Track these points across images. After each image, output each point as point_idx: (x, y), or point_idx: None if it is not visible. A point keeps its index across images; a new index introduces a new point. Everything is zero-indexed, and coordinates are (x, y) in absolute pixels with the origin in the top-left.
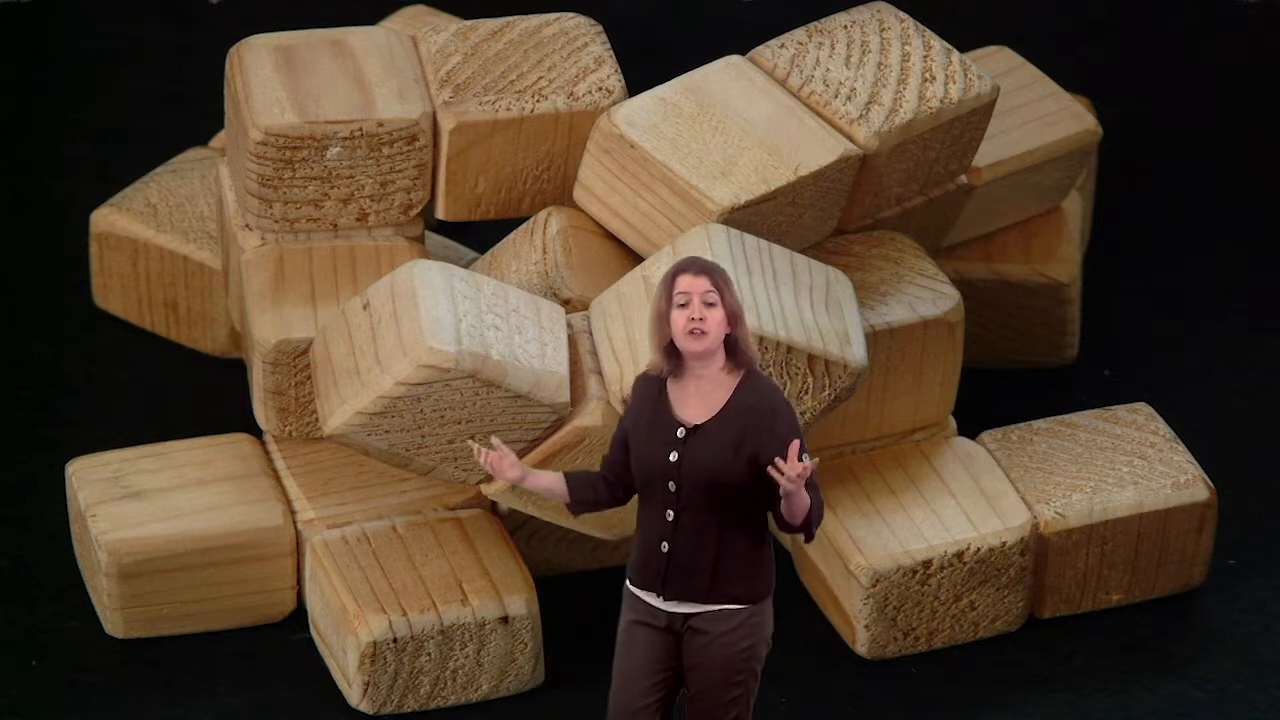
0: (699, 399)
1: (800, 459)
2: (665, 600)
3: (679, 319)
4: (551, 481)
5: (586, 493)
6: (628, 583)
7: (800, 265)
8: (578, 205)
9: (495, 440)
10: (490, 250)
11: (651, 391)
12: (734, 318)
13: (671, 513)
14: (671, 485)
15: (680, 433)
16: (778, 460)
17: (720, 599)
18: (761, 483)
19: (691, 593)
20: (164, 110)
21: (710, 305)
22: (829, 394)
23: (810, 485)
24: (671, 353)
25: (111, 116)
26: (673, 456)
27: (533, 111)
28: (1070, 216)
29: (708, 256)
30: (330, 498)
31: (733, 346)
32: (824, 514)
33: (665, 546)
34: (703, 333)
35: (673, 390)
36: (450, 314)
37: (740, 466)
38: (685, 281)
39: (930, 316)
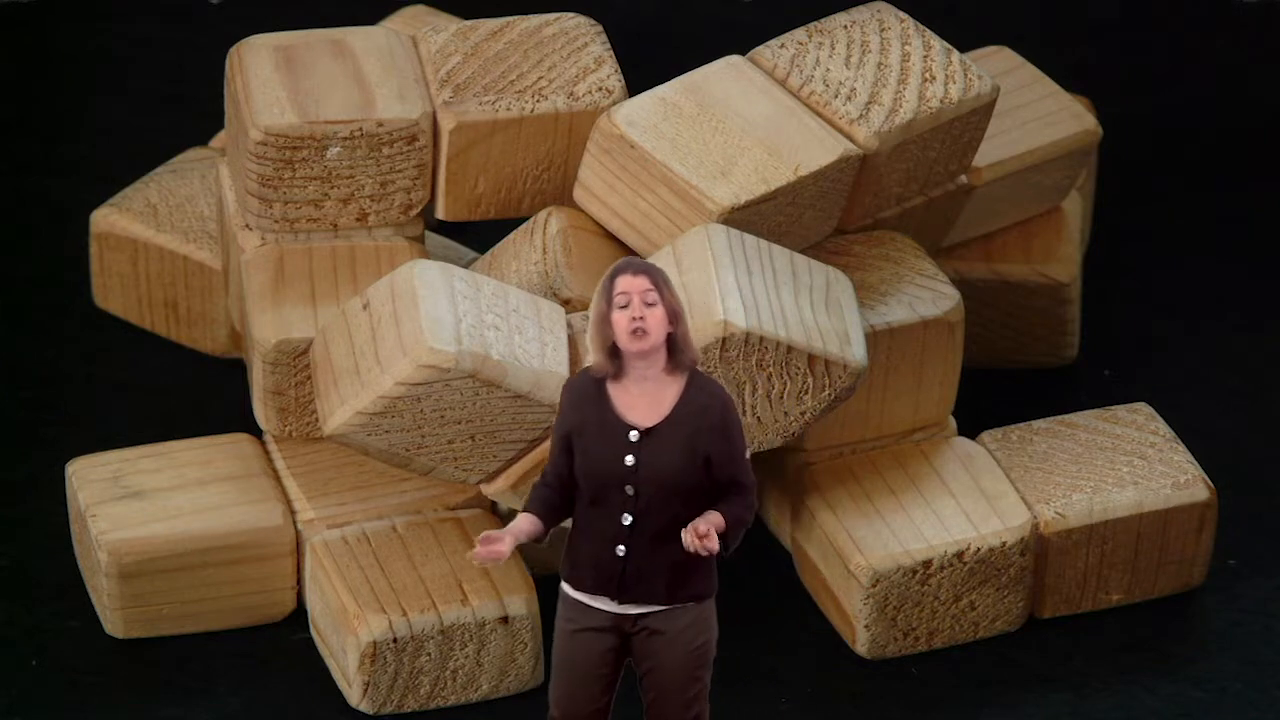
0: (645, 401)
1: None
2: (621, 604)
3: (620, 320)
4: (530, 526)
5: (555, 517)
6: (567, 588)
7: (800, 265)
8: (578, 205)
9: (480, 540)
10: (490, 250)
11: (590, 394)
12: (674, 316)
13: (629, 517)
14: (629, 489)
15: (634, 436)
16: (685, 533)
17: (676, 599)
18: (714, 482)
19: (648, 595)
20: (164, 110)
21: (650, 305)
22: (829, 394)
23: (739, 495)
24: (613, 354)
25: (111, 116)
26: (629, 460)
27: (533, 111)
28: (1070, 216)
29: (708, 256)
30: (330, 498)
31: (674, 345)
32: (746, 521)
33: (622, 550)
34: (645, 332)
35: (615, 393)
36: (450, 314)
37: (697, 468)
38: (624, 282)
39: (930, 316)
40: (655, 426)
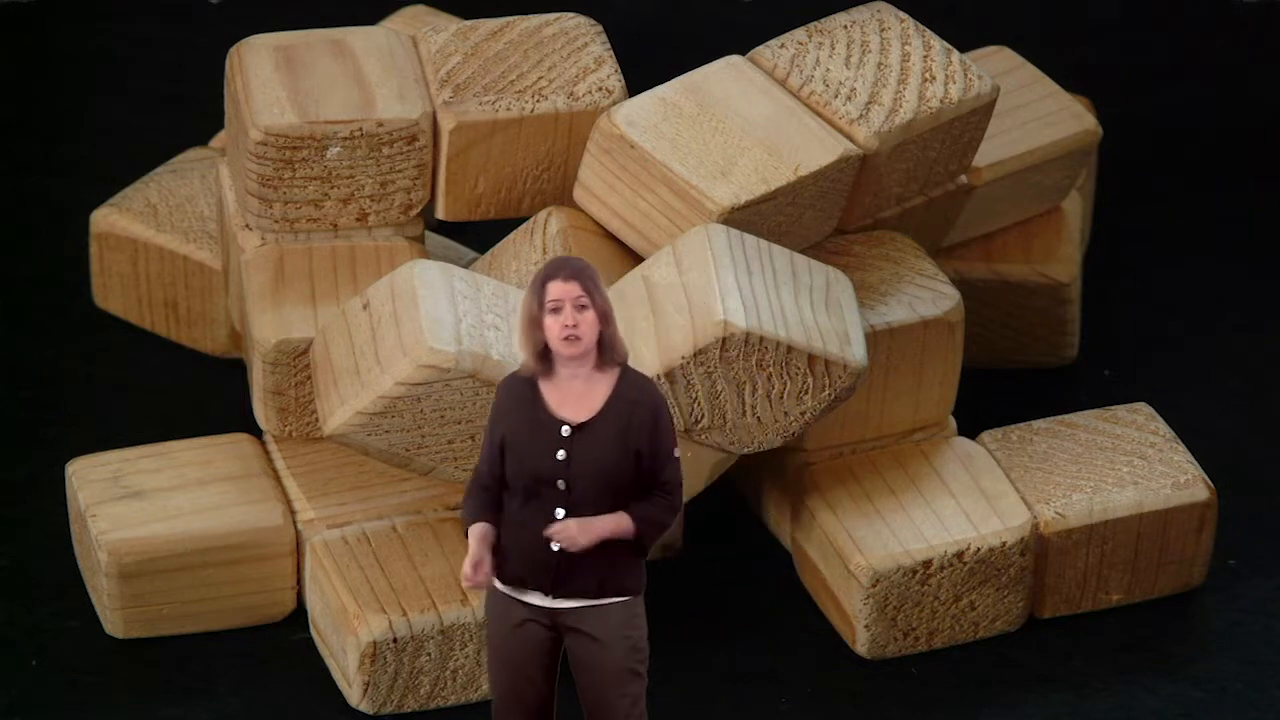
0: (576, 397)
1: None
2: (554, 598)
3: (553, 325)
4: (486, 534)
5: (499, 517)
6: (498, 585)
7: (800, 265)
8: (578, 205)
9: (470, 567)
10: (490, 250)
11: (523, 394)
12: (605, 318)
13: (562, 511)
14: (561, 484)
15: (565, 431)
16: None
17: (608, 593)
18: (644, 478)
19: (582, 589)
20: (164, 110)
21: (582, 309)
22: (829, 394)
23: (662, 494)
24: (544, 355)
25: (111, 116)
26: (560, 455)
27: (533, 111)
28: (1070, 216)
29: (708, 256)
30: (330, 498)
31: (604, 344)
32: (663, 523)
33: (556, 545)
34: (577, 338)
35: (547, 391)
36: (450, 314)
37: (628, 461)
38: (556, 288)
39: (930, 316)
40: (587, 422)
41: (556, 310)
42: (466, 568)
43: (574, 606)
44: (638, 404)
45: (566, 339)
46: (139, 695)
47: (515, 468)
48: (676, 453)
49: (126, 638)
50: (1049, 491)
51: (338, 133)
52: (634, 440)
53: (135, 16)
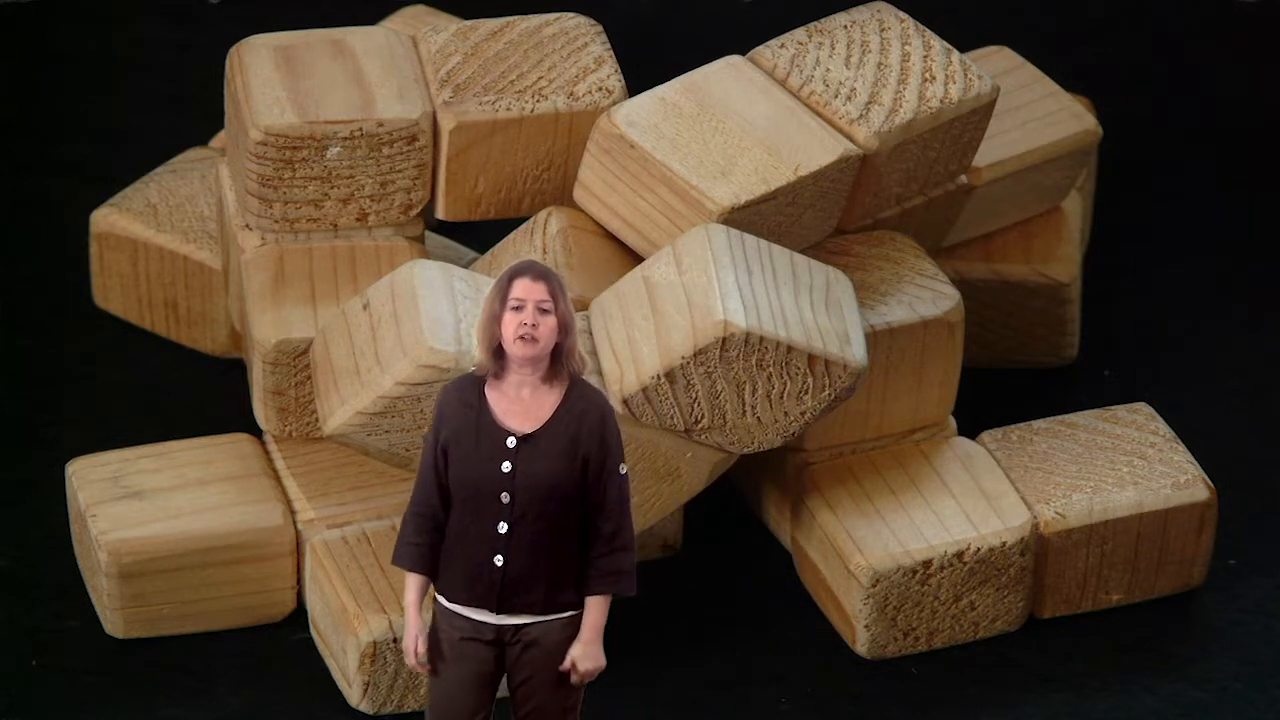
0: (523, 407)
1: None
2: (499, 614)
3: (510, 322)
4: (425, 589)
5: (435, 554)
6: (442, 600)
7: (800, 265)
8: (578, 205)
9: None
10: (490, 250)
11: (469, 399)
12: (565, 327)
13: (505, 525)
14: (505, 497)
15: (511, 442)
16: (574, 677)
17: (555, 608)
18: (590, 492)
19: (528, 604)
20: (164, 110)
21: (544, 312)
22: (829, 394)
23: (613, 536)
24: (497, 355)
25: (111, 116)
26: (505, 467)
27: (533, 111)
28: (1070, 216)
29: (708, 256)
30: (330, 498)
31: (559, 355)
32: (628, 565)
33: (500, 560)
34: (534, 339)
35: (494, 398)
36: (450, 314)
37: (575, 474)
38: (522, 286)
39: (930, 316)
40: (534, 432)
41: (518, 308)
42: (409, 646)
43: (520, 623)
44: (586, 412)
45: (522, 338)
46: (139, 695)
47: (457, 476)
48: (623, 468)
49: (126, 638)
50: (1049, 491)
51: (338, 133)
52: (583, 448)
53: (135, 16)
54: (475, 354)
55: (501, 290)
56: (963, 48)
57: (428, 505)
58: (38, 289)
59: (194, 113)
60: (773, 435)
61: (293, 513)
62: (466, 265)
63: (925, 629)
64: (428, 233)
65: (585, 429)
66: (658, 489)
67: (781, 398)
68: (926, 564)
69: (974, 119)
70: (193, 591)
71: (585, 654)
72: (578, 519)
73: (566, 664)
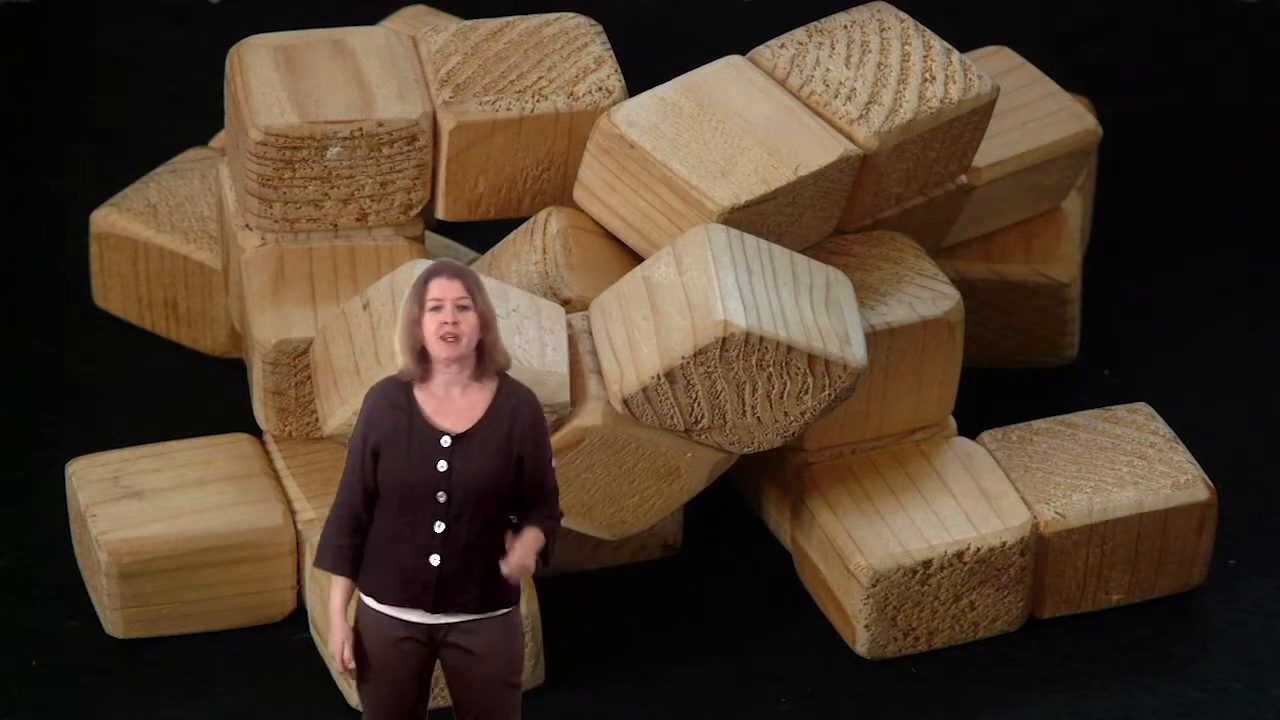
0: (454, 407)
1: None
2: (436, 614)
3: (431, 323)
4: (349, 592)
5: (359, 555)
6: (371, 603)
7: (800, 265)
8: (578, 205)
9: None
10: (490, 250)
11: (398, 400)
12: (486, 323)
13: (442, 524)
14: (441, 496)
15: (445, 441)
16: (503, 564)
17: (489, 606)
18: (524, 487)
19: (463, 603)
20: (164, 110)
21: (463, 309)
22: (829, 394)
23: (544, 504)
24: (421, 358)
25: (111, 116)
26: (441, 466)
27: (533, 111)
28: (1070, 216)
29: (708, 256)
30: (330, 498)
31: (483, 351)
32: (555, 532)
33: (436, 559)
34: (456, 338)
35: (423, 400)
36: None
37: (510, 471)
38: (438, 286)
39: (930, 316)
40: (468, 431)
41: (437, 309)
42: (336, 651)
43: (455, 622)
44: (517, 410)
45: (444, 337)
46: (139, 695)
47: (390, 479)
48: (554, 463)
49: (126, 638)
50: (1049, 491)
51: (338, 133)
52: (518, 445)
53: (135, 16)
54: (399, 360)
55: (418, 293)
56: (963, 48)
57: (351, 508)
58: (38, 289)
59: (194, 113)
60: (773, 435)
61: (293, 513)
62: (466, 265)
63: (925, 629)
64: (428, 233)
65: (519, 427)
66: (658, 489)
67: (781, 398)
68: (926, 564)
69: (974, 119)
70: (193, 591)
71: (518, 556)
72: (507, 517)
73: (512, 558)
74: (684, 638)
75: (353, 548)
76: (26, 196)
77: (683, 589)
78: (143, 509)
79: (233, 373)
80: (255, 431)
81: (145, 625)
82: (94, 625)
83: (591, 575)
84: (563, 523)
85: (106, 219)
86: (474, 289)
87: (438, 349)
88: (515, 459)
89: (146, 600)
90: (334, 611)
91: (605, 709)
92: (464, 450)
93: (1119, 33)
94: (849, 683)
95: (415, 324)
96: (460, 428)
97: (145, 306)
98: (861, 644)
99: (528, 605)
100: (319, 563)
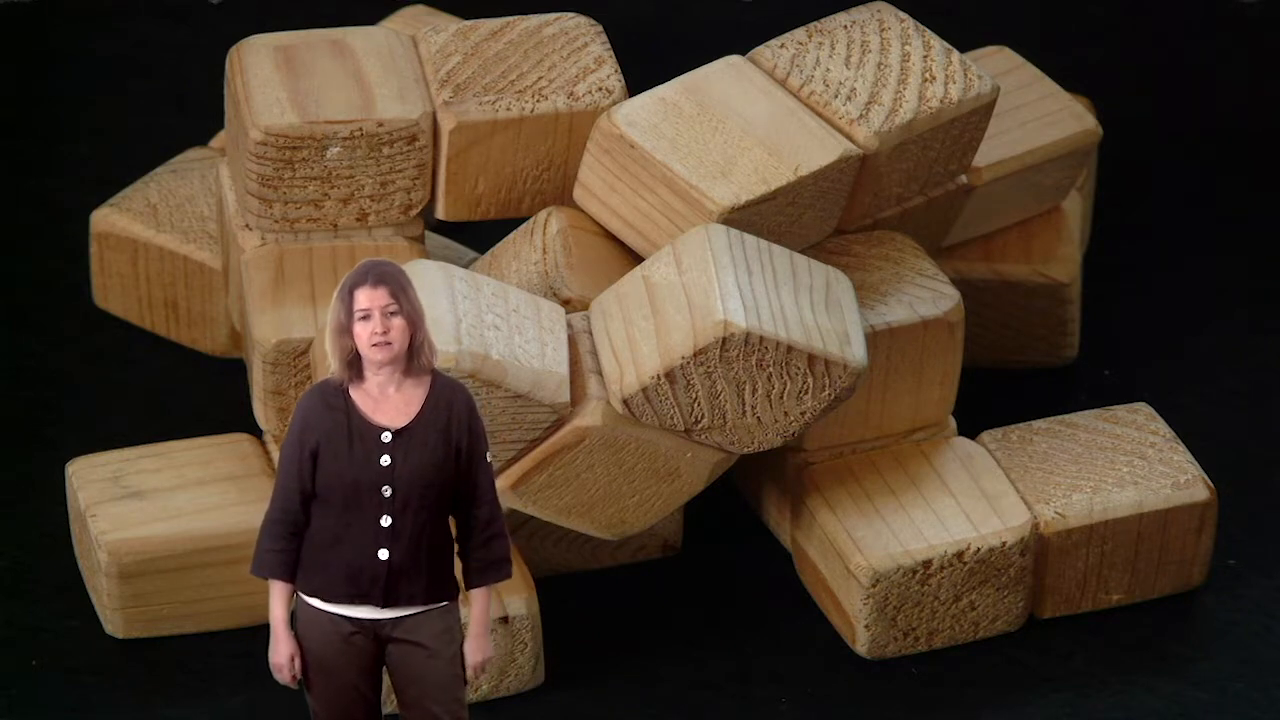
0: (391, 404)
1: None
2: (385, 609)
3: (362, 332)
4: (289, 596)
5: (295, 559)
6: (316, 603)
7: (800, 265)
8: (578, 205)
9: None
10: (490, 250)
11: (334, 402)
12: (413, 323)
13: (388, 519)
14: (386, 490)
15: (386, 437)
16: (469, 671)
17: (436, 597)
18: (463, 478)
19: (410, 596)
20: (164, 110)
21: (392, 315)
22: (829, 394)
23: (488, 524)
24: (352, 363)
25: (111, 116)
26: (385, 461)
27: (533, 111)
28: (1070, 216)
29: (708, 256)
30: None
31: (414, 349)
32: (506, 549)
33: (385, 554)
34: (388, 344)
35: (358, 398)
36: (450, 314)
37: (450, 462)
38: (364, 296)
39: (930, 316)
40: (408, 426)
41: (365, 318)
42: (283, 663)
43: (403, 615)
44: (453, 403)
45: (376, 345)
46: (139, 695)
47: (332, 479)
48: (490, 456)
49: (126, 638)
50: (1049, 491)
51: (338, 133)
52: (455, 436)
53: (135, 16)
54: (330, 365)
55: (345, 302)
56: (963, 48)
57: (287, 512)
58: (38, 289)
59: (194, 113)
60: (773, 435)
61: None
62: (466, 265)
63: (925, 629)
64: (428, 233)
65: (455, 419)
66: (658, 489)
67: (781, 398)
68: (926, 564)
69: (974, 119)
70: (193, 591)
71: (477, 648)
72: (448, 509)
73: (468, 671)
74: (684, 638)
75: (290, 552)
76: (26, 196)
77: (683, 589)
78: (143, 509)
79: (233, 373)
80: (255, 431)
81: (145, 625)
82: (94, 625)
83: (591, 575)
84: (563, 523)
85: (106, 219)
86: (399, 293)
87: (371, 355)
88: (453, 451)
89: (146, 600)
90: (277, 621)
91: (605, 709)
92: (404, 444)
93: (1119, 33)
94: (849, 683)
95: (344, 331)
96: (399, 423)
97: (145, 306)
98: (861, 644)
99: (528, 605)
100: (258, 570)
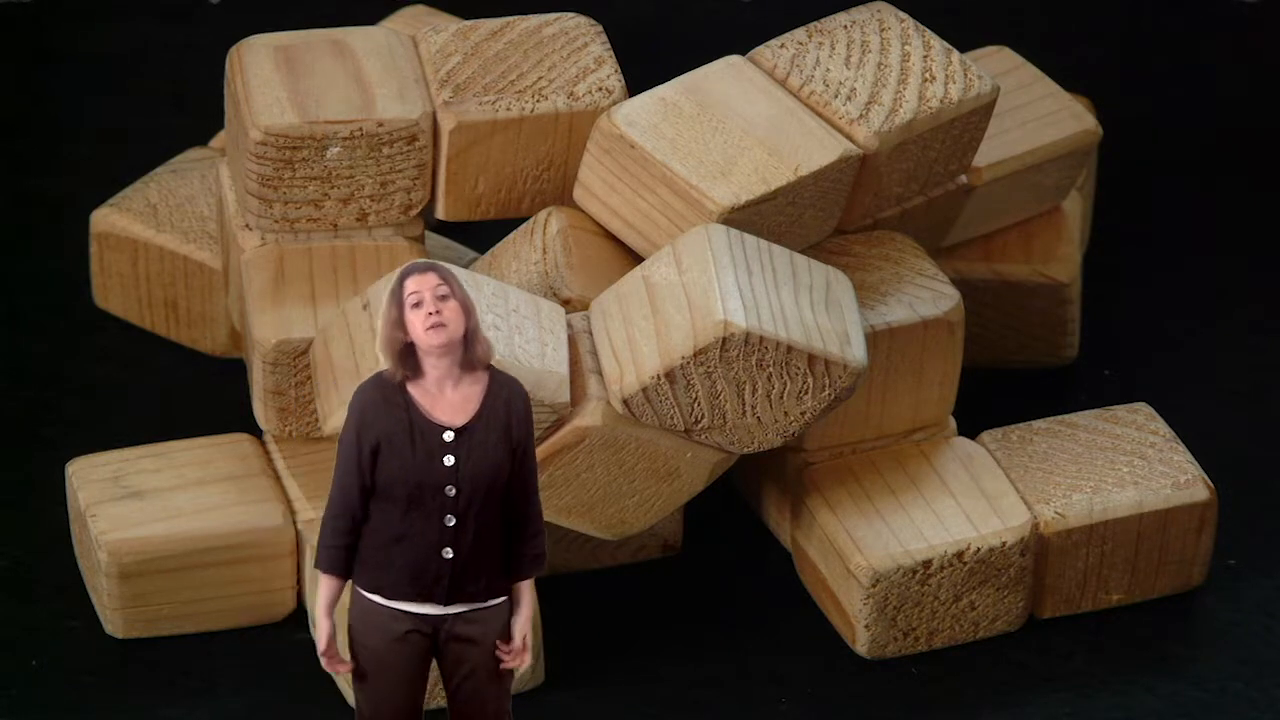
0: (448, 401)
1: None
2: (447, 605)
3: (416, 319)
4: (338, 591)
5: (352, 557)
6: (376, 599)
7: (800, 265)
8: (578, 205)
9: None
10: (490, 250)
11: (393, 399)
12: (468, 310)
13: (453, 518)
14: (450, 490)
15: (449, 436)
16: (503, 653)
17: (494, 593)
18: (515, 473)
19: (472, 593)
20: (164, 110)
21: (444, 299)
22: (829, 394)
23: (529, 521)
24: (404, 358)
25: (111, 116)
26: (449, 461)
27: (533, 111)
28: (1070, 216)
29: (708, 256)
30: None
31: (469, 340)
32: (543, 547)
33: (449, 552)
34: (443, 325)
35: (417, 396)
36: None
37: (509, 460)
38: (414, 282)
39: (930, 316)
40: (469, 424)
41: (418, 304)
42: (323, 649)
43: (462, 611)
44: (512, 400)
45: (432, 328)
46: (139, 695)
47: (394, 477)
48: (553, 462)
49: (126, 638)
50: (1049, 491)
51: (338, 133)
52: (515, 435)
53: (135, 16)
54: (383, 362)
55: (396, 294)
56: (963, 48)
57: (348, 509)
58: (38, 289)
59: (194, 113)
60: (773, 435)
61: (293, 513)
62: (466, 265)
63: (925, 629)
64: (428, 233)
65: (515, 417)
66: (658, 489)
67: (781, 398)
68: (926, 564)
69: (974, 119)
70: (193, 591)
71: (526, 628)
72: (504, 505)
73: (516, 640)
74: (684, 638)
75: (349, 549)
76: (26, 196)
77: (683, 589)
78: (143, 509)
79: (233, 373)
80: (255, 431)
81: (145, 625)
82: (94, 625)
83: (591, 575)
84: (563, 523)
85: (106, 219)
86: (449, 279)
87: (427, 340)
88: (513, 447)
89: (146, 600)
90: (320, 609)
91: (605, 709)
92: (468, 443)
93: (1119, 33)
94: (849, 683)
95: (396, 325)
96: (459, 421)
97: (145, 306)
98: (861, 644)
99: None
100: (320, 565)
